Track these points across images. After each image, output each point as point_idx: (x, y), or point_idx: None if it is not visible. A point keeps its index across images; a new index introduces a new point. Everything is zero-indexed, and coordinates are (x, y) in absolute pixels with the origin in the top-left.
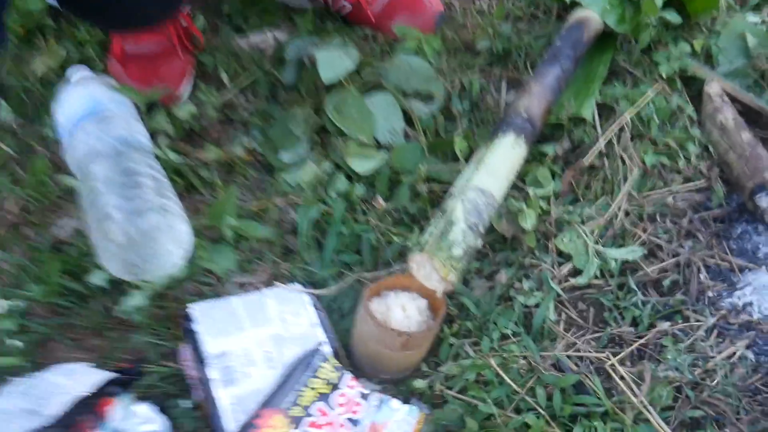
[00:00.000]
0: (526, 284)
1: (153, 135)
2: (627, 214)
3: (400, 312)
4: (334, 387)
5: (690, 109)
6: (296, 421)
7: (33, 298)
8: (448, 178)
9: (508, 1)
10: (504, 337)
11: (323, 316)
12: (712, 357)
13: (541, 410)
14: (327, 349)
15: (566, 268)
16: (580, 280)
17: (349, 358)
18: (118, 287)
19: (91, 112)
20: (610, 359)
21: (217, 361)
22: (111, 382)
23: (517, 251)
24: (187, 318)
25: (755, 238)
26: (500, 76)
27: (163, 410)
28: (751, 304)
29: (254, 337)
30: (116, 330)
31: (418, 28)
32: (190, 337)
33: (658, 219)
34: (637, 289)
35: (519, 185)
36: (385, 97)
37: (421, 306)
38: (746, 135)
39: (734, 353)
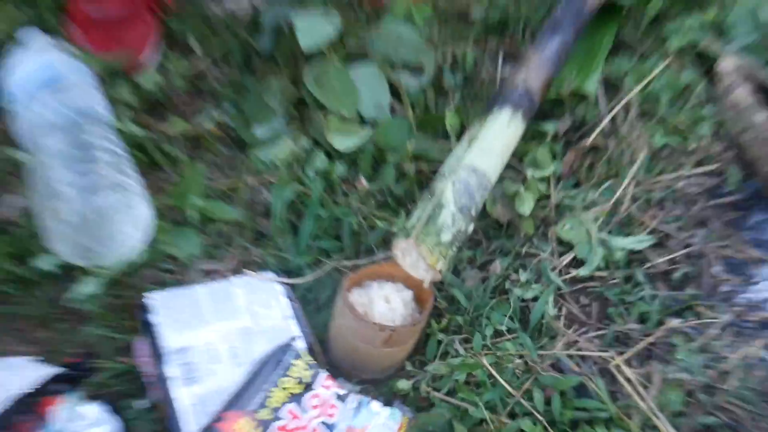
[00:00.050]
0: (523, 275)
1: (114, 106)
2: (634, 199)
3: (383, 304)
4: (308, 387)
5: (702, 87)
6: (264, 425)
7: None
8: (438, 157)
9: None
10: (498, 333)
11: (297, 307)
12: (727, 358)
13: (538, 415)
14: (300, 345)
15: (567, 258)
16: (583, 272)
17: (325, 355)
18: (69, 273)
19: (46, 81)
20: (615, 359)
21: (177, 356)
22: (57, 379)
23: (514, 239)
24: (145, 308)
25: None
26: (496, 48)
27: (116, 411)
28: None
29: (219, 330)
30: (65, 321)
31: None
32: (147, 329)
33: (668, 205)
34: (645, 282)
35: (516, 166)
36: (370, 69)
37: (407, 298)
38: (762, 115)
39: (751, 354)
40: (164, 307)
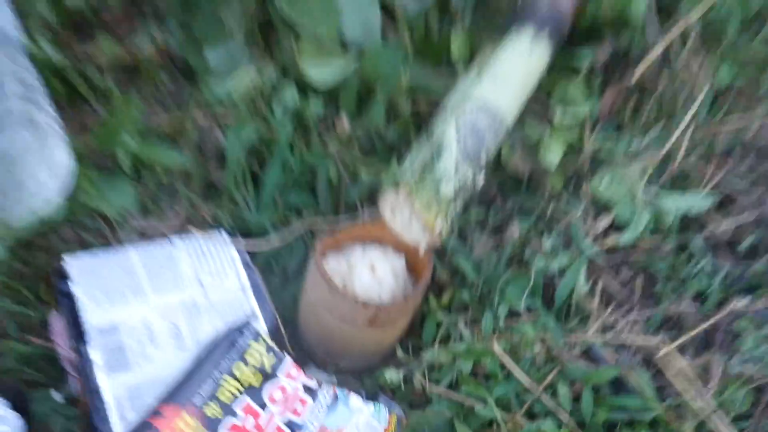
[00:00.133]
0: (548, 242)
1: (26, 24)
2: (691, 149)
3: (366, 274)
4: (268, 377)
5: None
6: (212, 424)
7: None
8: (440, 93)
9: None
10: (514, 313)
11: (258, 277)
12: None
13: (564, 415)
14: (261, 324)
15: (604, 222)
16: (624, 239)
17: (293, 337)
18: None
19: None
20: (663, 347)
21: (102, 337)
22: None
23: (536, 196)
24: (62, 276)
25: None
26: None
27: (22, 404)
28: None
29: (158, 305)
30: None
31: None
32: (65, 303)
33: (734, 157)
34: (703, 252)
35: (540, 105)
36: None
37: (397, 266)
38: None
39: None
40: (87, 274)
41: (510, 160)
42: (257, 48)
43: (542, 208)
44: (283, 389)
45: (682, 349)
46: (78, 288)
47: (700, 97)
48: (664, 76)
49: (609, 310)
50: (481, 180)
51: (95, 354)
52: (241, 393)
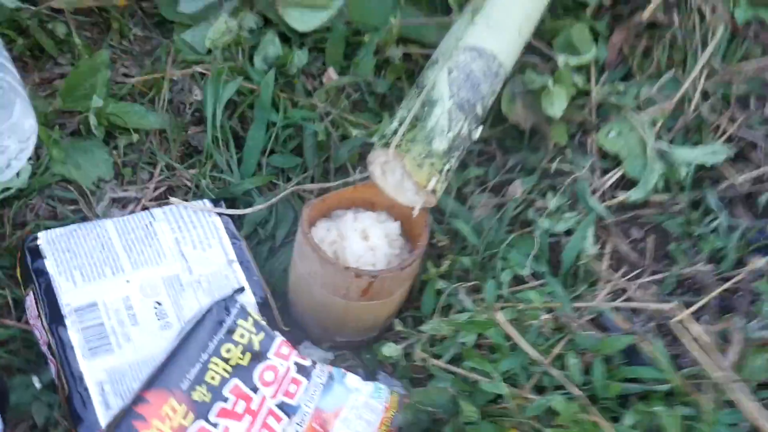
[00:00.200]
0: (553, 201)
1: None
2: (706, 96)
3: (359, 241)
4: (258, 357)
5: None
6: (200, 409)
7: None
8: (434, 40)
9: None
10: (518, 279)
11: (244, 248)
12: None
13: (574, 389)
14: (249, 299)
15: (613, 177)
16: (635, 196)
17: (284, 312)
18: None
19: None
20: (678, 313)
21: (79, 317)
22: None
23: (539, 151)
24: (33, 252)
25: None
26: None
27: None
28: None
29: (137, 281)
30: None
31: None
32: (37, 281)
33: (753, 104)
34: (719, 208)
35: (542, 50)
36: None
37: (392, 232)
38: None
39: None
40: (60, 250)
41: (510, 111)
42: None
43: (546, 164)
44: (274, 369)
45: (698, 315)
46: (50, 264)
47: (716, 39)
48: (677, 16)
49: (619, 273)
50: (478, 133)
51: (73, 335)
52: (229, 375)
